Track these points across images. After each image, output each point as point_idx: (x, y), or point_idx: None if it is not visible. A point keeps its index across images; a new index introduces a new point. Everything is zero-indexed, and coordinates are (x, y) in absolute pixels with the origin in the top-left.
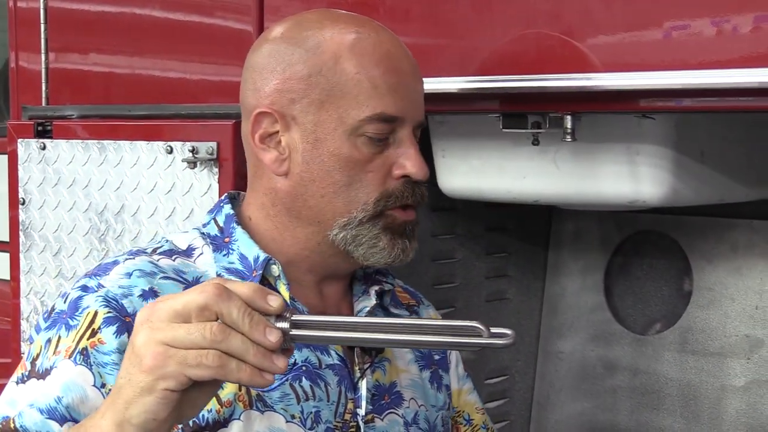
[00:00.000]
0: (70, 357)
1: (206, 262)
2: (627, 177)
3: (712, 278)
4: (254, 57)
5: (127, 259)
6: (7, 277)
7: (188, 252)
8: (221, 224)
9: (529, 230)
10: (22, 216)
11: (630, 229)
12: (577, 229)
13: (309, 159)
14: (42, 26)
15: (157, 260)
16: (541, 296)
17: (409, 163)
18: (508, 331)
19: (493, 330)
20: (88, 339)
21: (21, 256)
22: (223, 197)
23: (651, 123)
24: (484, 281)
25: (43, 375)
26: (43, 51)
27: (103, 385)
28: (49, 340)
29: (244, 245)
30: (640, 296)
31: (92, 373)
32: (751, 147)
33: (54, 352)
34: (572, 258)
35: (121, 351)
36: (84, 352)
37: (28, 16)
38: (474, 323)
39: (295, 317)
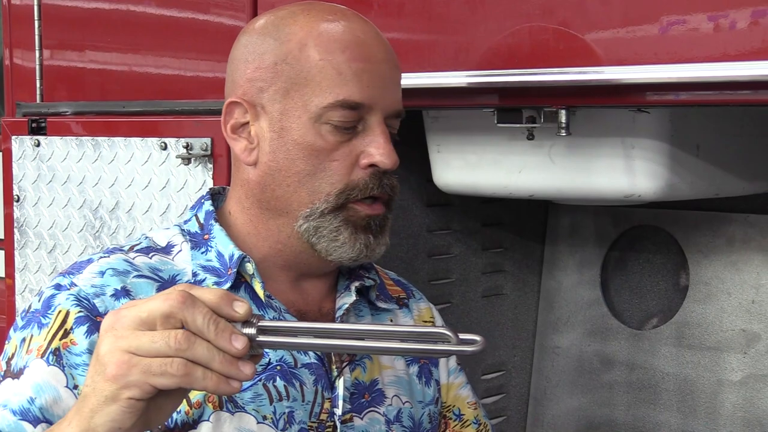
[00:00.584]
0: (42, 356)
1: (184, 259)
2: (622, 171)
3: (709, 273)
4: (233, 50)
5: (101, 258)
6: (2, 274)
7: (167, 249)
8: (201, 221)
9: (525, 225)
10: (16, 213)
11: (626, 223)
12: (574, 224)
13: (275, 148)
14: (36, 23)
15: (133, 258)
16: (537, 291)
17: (375, 150)
18: (477, 338)
19: (462, 336)
20: (60, 339)
21: (16, 253)
22: (205, 193)
23: (646, 117)
24: (480, 276)
25: (17, 374)
26: (37, 48)
27: (76, 387)
28: (23, 340)
29: (221, 243)
30: (636, 291)
31: (65, 374)
32: (747, 141)
33: (26, 351)
34: (569, 253)
35: (91, 351)
36: (57, 353)
37: (22, 12)
38: (442, 329)
39: (262, 323)
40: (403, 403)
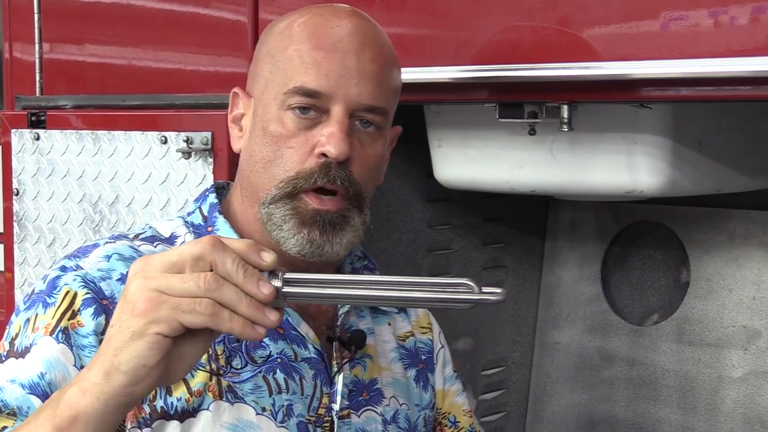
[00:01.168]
0: (51, 334)
1: None
2: (624, 167)
3: (710, 269)
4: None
5: (107, 243)
6: (2, 267)
7: (171, 240)
8: (205, 213)
9: (525, 221)
10: (16, 207)
11: (627, 219)
12: (574, 220)
13: (251, 134)
14: (36, 16)
15: (138, 245)
16: (537, 287)
17: (325, 139)
18: (498, 290)
19: (485, 289)
20: (68, 319)
21: (15, 247)
22: (209, 186)
23: (648, 112)
24: (480, 272)
25: (23, 353)
26: (36, 41)
27: (82, 367)
28: (27, 320)
29: (224, 234)
30: (637, 287)
31: (73, 354)
32: (749, 136)
33: (32, 329)
34: (569, 248)
35: (97, 333)
36: (65, 332)
37: (21, 5)
38: (465, 280)
39: (287, 275)
40: (400, 405)
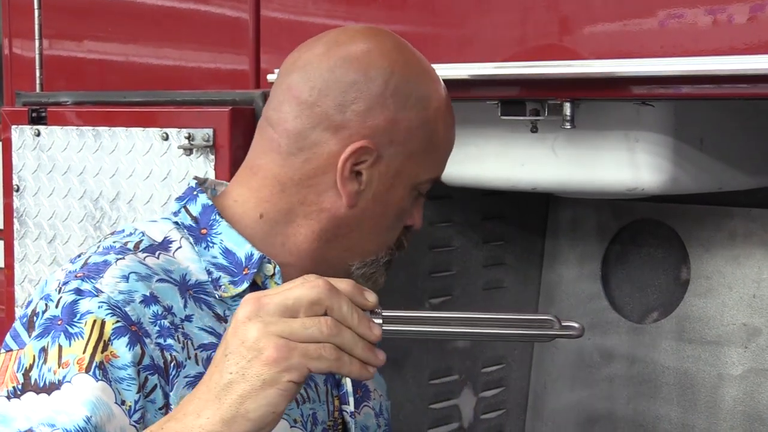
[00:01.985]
0: (87, 372)
1: (186, 257)
2: (626, 164)
3: (710, 267)
4: (368, 82)
5: (118, 260)
6: (2, 264)
7: (165, 245)
8: (195, 214)
9: (526, 219)
10: (16, 203)
11: (627, 217)
12: (575, 218)
13: (378, 200)
14: (36, 12)
15: (144, 258)
16: (538, 285)
17: (417, 216)
18: (576, 324)
19: (565, 323)
20: (101, 352)
21: (15, 243)
22: (194, 185)
23: (650, 110)
24: (481, 270)
25: (48, 389)
26: (37, 37)
27: (123, 402)
28: (43, 349)
29: (230, 240)
30: (637, 285)
31: (112, 389)
32: (751, 134)
33: (60, 365)
34: (569, 246)
35: (135, 364)
36: (102, 367)
37: (22, 2)
38: (546, 315)
39: (386, 313)
40: (380, 396)
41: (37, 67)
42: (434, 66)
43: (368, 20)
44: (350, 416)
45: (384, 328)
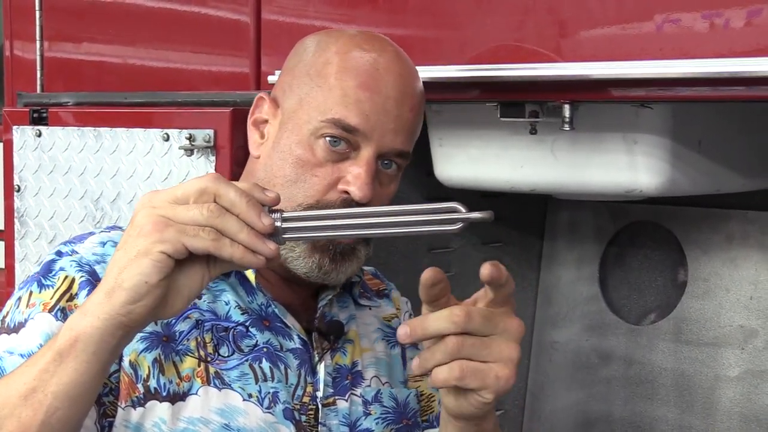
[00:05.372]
0: (50, 312)
1: None
2: (624, 166)
3: (707, 269)
4: (292, 55)
5: (102, 232)
6: (2, 264)
7: None
8: None
9: (524, 220)
10: (17, 203)
11: (625, 219)
12: (573, 220)
13: (275, 147)
14: (37, 13)
15: None
16: (535, 286)
17: (352, 179)
18: (487, 213)
19: (473, 213)
20: (66, 301)
21: (16, 243)
22: None
23: (649, 112)
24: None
25: (16, 328)
26: (38, 38)
27: None
28: (19, 298)
29: None
30: (634, 286)
31: None
32: (749, 137)
33: (27, 305)
34: (567, 248)
35: None
36: (64, 312)
37: (23, 3)
38: (453, 203)
39: (286, 213)
40: (383, 384)
41: (39, 68)
42: (434, 68)
43: (368, 23)
44: (320, 402)
45: (284, 226)
